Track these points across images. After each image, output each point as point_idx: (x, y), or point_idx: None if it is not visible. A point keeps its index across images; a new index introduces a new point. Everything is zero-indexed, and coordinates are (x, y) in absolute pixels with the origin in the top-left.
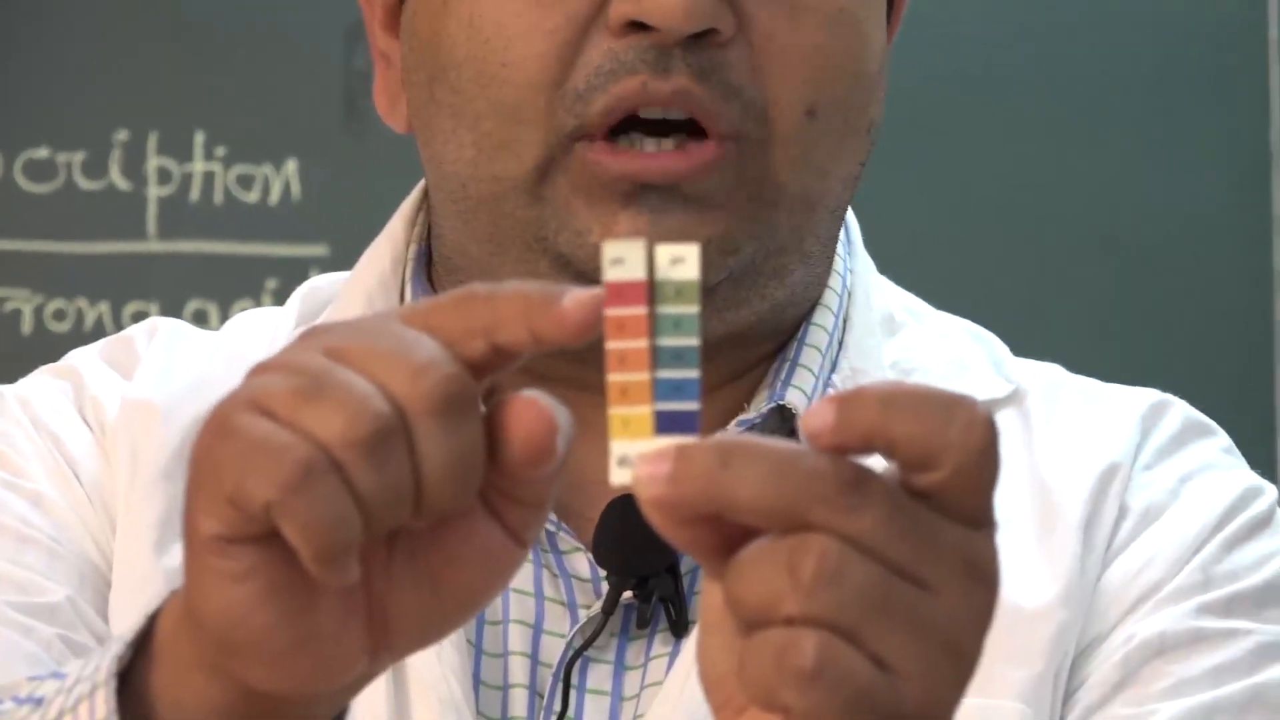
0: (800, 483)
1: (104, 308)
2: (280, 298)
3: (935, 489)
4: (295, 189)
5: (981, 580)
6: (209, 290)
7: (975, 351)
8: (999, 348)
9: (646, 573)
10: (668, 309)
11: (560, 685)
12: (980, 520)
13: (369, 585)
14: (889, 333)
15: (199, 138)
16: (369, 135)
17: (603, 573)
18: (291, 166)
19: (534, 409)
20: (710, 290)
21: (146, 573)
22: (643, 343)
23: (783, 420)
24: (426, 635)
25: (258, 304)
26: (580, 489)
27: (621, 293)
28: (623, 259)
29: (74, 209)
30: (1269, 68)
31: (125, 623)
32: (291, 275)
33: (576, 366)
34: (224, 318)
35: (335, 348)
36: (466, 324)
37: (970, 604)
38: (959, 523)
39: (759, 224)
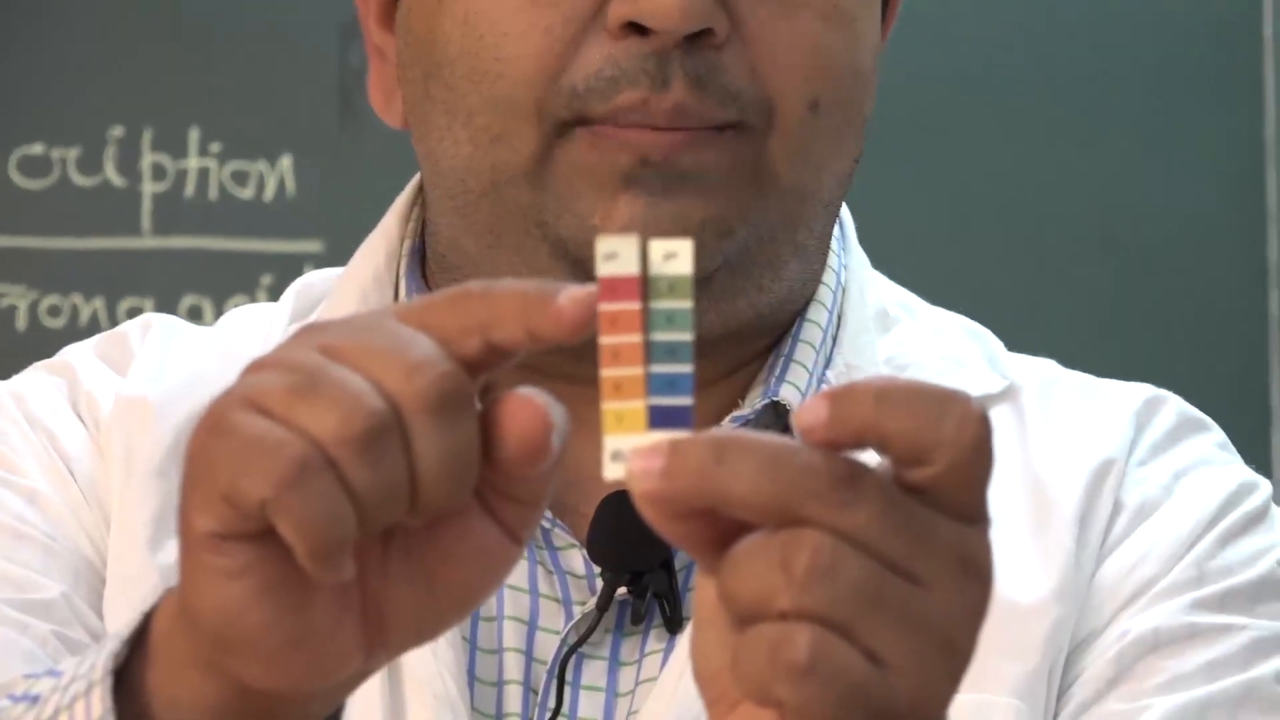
0: (794, 478)
1: (99, 304)
2: (275, 294)
3: (929, 484)
4: (290, 185)
5: (975, 575)
6: (204, 286)
7: (969, 347)
8: (993, 343)
9: (641, 568)
10: (661, 304)
11: (555, 681)
12: (974, 516)
13: (364, 582)
14: (883, 329)
15: (194, 134)
16: (364, 132)
17: (597, 569)
18: (286, 163)
19: (529, 407)
20: (706, 280)
21: (141, 569)
22: (636, 338)
23: (777, 416)
24: (422, 633)
25: (252, 300)
26: (575, 485)
27: (615, 288)
28: (616, 254)
29: (69, 205)
30: (1263, 65)
31: (120, 619)
32: (286, 271)
33: (571, 361)
34: (218, 314)
35: (330, 345)
36: (462, 322)
37: (964, 599)
38: (953, 518)
39: (753, 209)
